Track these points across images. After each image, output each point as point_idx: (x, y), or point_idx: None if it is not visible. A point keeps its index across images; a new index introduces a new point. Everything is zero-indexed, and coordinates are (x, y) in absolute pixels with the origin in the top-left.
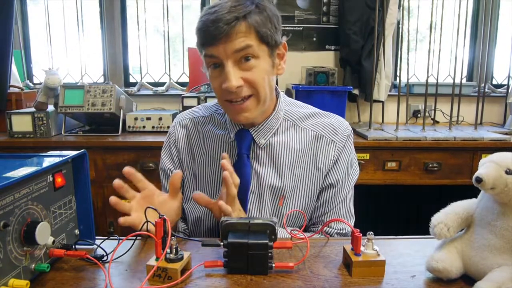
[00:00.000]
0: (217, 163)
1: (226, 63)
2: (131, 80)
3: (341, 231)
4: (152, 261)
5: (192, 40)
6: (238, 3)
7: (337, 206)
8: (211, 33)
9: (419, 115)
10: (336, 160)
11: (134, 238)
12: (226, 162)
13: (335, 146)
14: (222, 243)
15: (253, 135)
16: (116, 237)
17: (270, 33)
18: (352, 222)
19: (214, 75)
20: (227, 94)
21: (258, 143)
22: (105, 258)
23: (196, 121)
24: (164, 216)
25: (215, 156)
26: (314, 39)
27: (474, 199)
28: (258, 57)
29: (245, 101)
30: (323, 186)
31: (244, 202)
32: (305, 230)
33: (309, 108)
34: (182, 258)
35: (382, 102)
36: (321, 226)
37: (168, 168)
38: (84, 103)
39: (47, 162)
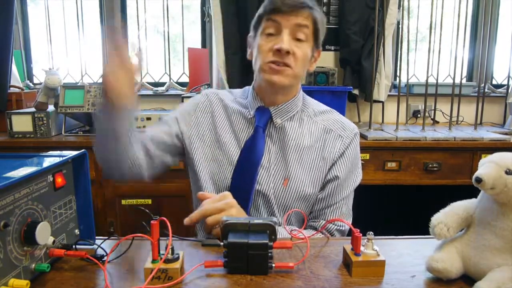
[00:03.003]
0: (236, 137)
1: (284, 31)
2: None
3: (341, 228)
4: (149, 264)
5: (192, 40)
6: None
7: (339, 202)
8: (287, 4)
9: (419, 115)
10: (342, 154)
11: (132, 238)
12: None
13: (342, 140)
14: (222, 243)
15: (272, 113)
16: (116, 237)
17: (321, 32)
18: (350, 221)
19: (266, 40)
20: (273, 55)
21: (274, 122)
22: (105, 258)
23: (222, 97)
24: (163, 218)
25: (235, 129)
26: None
27: (474, 199)
28: (307, 41)
29: (283, 67)
30: (328, 178)
31: (253, 175)
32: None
33: (322, 106)
34: (179, 258)
35: (382, 102)
36: (321, 221)
37: (172, 118)
38: (84, 103)
39: (47, 162)
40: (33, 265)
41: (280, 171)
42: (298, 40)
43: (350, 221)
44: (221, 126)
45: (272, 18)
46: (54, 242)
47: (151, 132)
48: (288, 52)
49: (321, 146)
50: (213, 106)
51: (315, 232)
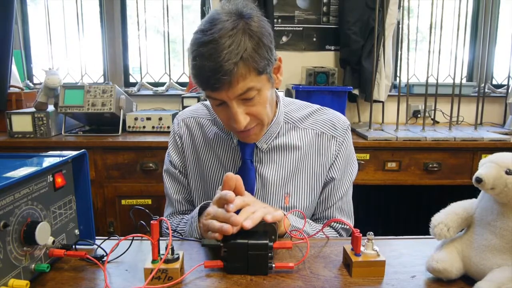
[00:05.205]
0: (222, 166)
1: (231, 104)
2: (131, 80)
3: (345, 226)
4: (149, 264)
5: None
6: (231, 40)
7: (339, 201)
8: (211, 83)
9: (419, 115)
10: (337, 154)
11: (132, 238)
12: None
13: (336, 141)
14: (222, 244)
15: (256, 142)
16: (116, 237)
17: (266, 61)
18: (352, 220)
19: (219, 109)
20: (234, 128)
21: (260, 147)
22: (105, 258)
23: (199, 121)
24: (162, 218)
25: (220, 158)
26: (314, 39)
27: (474, 199)
28: (260, 90)
29: (250, 130)
30: (326, 180)
31: None
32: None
33: (307, 108)
34: (179, 258)
35: (382, 102)
36: (324, 221)
37: (177, 164)
38: (84, 103)
39: (47, 162)
40: (33, 265)
41: (279, 190)
42: (251, 99)
43: (352, 220)
44: (207, 161)
45: (210, 96)
46: (54, 242)
47: (185, 200)
48: (248, 121)
49: (315, 152)
50: (194, 136)
51: (317, 232)
